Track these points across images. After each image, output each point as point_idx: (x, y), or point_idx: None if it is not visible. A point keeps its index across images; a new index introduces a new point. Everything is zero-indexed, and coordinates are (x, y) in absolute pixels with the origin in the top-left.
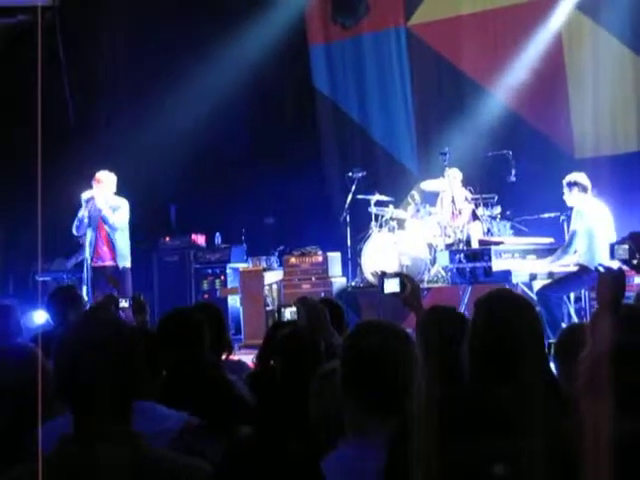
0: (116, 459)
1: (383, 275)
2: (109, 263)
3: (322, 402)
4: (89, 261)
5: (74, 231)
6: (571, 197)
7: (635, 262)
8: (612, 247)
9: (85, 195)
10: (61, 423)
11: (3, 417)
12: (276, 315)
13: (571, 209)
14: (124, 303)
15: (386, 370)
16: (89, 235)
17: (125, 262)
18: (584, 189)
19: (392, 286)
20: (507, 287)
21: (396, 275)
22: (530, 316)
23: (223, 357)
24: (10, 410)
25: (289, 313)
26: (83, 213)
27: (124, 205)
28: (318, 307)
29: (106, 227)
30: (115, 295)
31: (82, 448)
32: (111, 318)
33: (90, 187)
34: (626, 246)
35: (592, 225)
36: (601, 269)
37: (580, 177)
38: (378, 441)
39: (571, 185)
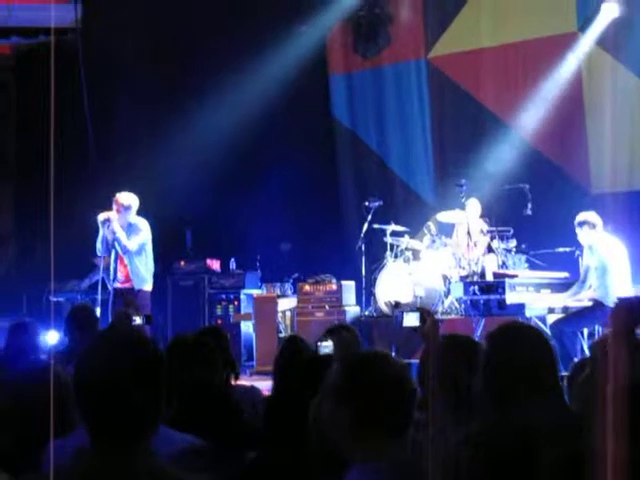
0: (130, 474)
1: (397, 306)
2: (126, 285)
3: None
4: (111, 281)
5: (97, 251)
6: (582, 235)
7: None
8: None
9: (101, 217)
10: (78, 438)
11: (22, 432)
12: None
13: None
14: (138, 320)
15: (390, 400)
16: (112, 256)
17: (142, 285)
18: (593, 226)
19: (411, 320)
20: (520, 319)
21: (417, 309)
22: (544, 348)
23: (232, 382)
24: (28, 426)
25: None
26: (104, 234)
27: (144, 227)
28: (348, 338)
29: (119, 250)
30: (128, 311)
31: (96, 460)
32: (136, 336)
33: (109, 209)
34: None
35: (604, 260)
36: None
37: (588, 215)
38: (382, 465)
39: (581, 224)
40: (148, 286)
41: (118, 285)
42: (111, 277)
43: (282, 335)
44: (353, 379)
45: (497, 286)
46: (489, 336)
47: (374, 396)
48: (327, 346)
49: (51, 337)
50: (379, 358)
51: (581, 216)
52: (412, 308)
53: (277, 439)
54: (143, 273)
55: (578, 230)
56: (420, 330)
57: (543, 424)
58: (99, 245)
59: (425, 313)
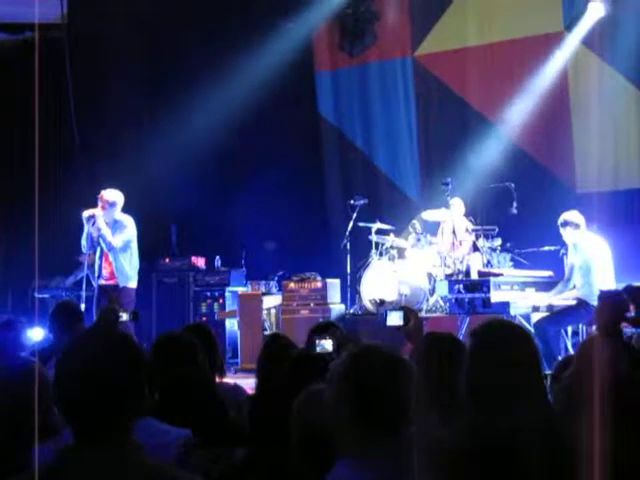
0: (114, 468)
1: (382, 304)
2: (111, 282)
3: (307, 420)
4: (96, 279)
5: (82, 248)
6: (566, 235)
7: (630, 315)
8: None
9: (86, 213)
10: (65, 439)
11: (8, 430)
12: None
13: None
14: (125, 317)
15: (388, 395)
16: (97, 253)
17: (127, 282)
18: (576, 226)
19: (395, 319)
20: (503, 317)
21: (400, 308)
22: (527, 346)
23: (217, 379)
24: (12, 424)
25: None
26: (89, 230)
27: (130, 224)
28: (340, 336)
29: (104, 246)
30: (115, 307)
31: (80, 457)
32: (116, 334)
33: (94, 205)
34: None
35: (589, 259)
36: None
37: (571, 215)
38: (375, 461)
39: (564, 225)
40: (133, 283)
41: (102, 282)
42: (96, 274)
43: (267, 333)
44: (356, 372)
45: (482, 284)
46: (472, 333)
47: (375, 390)
48: (326, 343)
49: (36, 334)
50: (383, 351)
51: (564, 216)
52: (396, 307)
53: (261, 438)
54: (128, 270)
55: (562, 230)
56: (404, 329)
57: (526, 422)
58: (84, 242)
59: (409, 312)
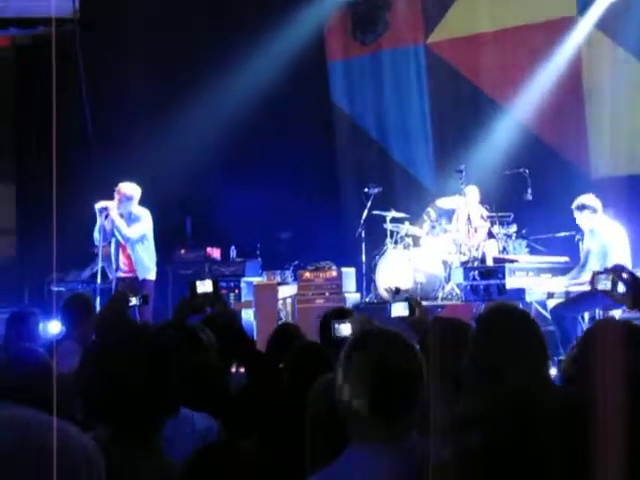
0: (130, 468)
1: (398, 292)
2: (129, 274)
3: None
4: (114, 271)
5: (95, 241)
6: (582, 219)
7: (617, 295)
8: (594, 275)
9: (98, 205)
10: None
11: None
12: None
13: None
14: (134, 301)
15: (400, 380)
16: (112, 245)
17: (146, 273)
18: (594, 210)
19: (400, 310)
20: (506, 302)
21: (405, 299)
22: (532, 331)
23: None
24: None
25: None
26: (101, 223)
27: (145, 217)
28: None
29: (120, 239)
30: (125, 292)
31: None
32: (150, 333)
33: (110, 198)
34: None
35: (606, 244)
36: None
37: (588, 199)
38: (388, 447)
39: (580, 208)
40: (152, 275)
41: (121, 274)
42: (113, 266)
43: (282, 322)
44: (370, 354)
45: (497, 271)
46: (477, 319)
47: (389, 371)
48: (345, 328)
49: (53, 327)
50: (395, 333)
51: (580, 200)
52: (400, 298)
53: (273, 426)
54: (147, 262)
55: (577, 214)
56: (409, 319)
57: (529, 407)
58: (96, 234)
59: (414, 303)
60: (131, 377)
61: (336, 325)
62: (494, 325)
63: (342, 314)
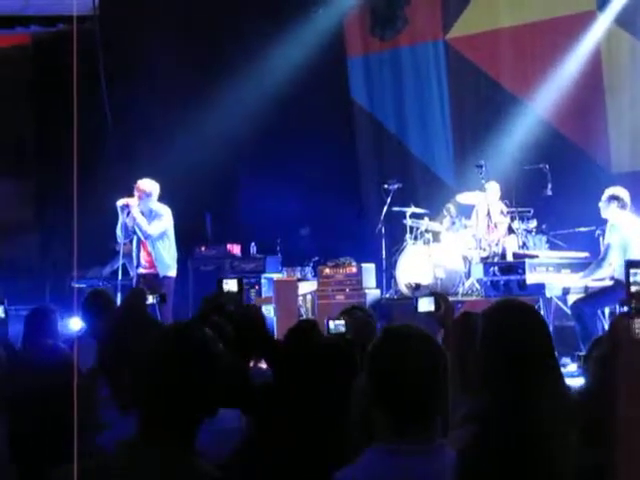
0: (166, 468)
1: (418, 288)
2: (150, 271)
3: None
4: (135, 268)
5: (118, 238)
6: (608, 210)
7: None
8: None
9: (119, 202)
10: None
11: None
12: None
13: (606, 223)
14: (151, 299)
15: (424, 379)
16: (134, 242)
17: (167, 271)
18: (623, 205)
19: (426, 305)
20: (513, 297)
21: (431, 294)
22: (539, 327)
23: (251, 364)
24: (45, 411)
25: (333, 325)
26: (123, 220)
27: (166, 214)
28: (365, 320)
29: (141, 235)
30: (143, 289)
31: (137, 452)
32: (201, 336)
33: (129, 195)
34: None
35: (627, 239)
36: None
37: (622, 192)
38: (408, 447)
39: (611, 199)
40: (172, 272)
41: (142, 271)
42: (134, 263)
43: (303, 318)
44: (388, 354)
45: (517, 267)
46: (483, 315)
47: (407, 373)
48: (339, 324)
49: (75, 323)
50: (418, 333)
51: (613, 190)
52: (427, 293)
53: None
54: (167, 259)
55: (604, 204)
56: (436, 314)
57: (537, 406)
58: (119, 232)
59: (440, 298)
60: (169, 374)
61: (330, 321)
62: (501, 322)
63: (341, 312)
